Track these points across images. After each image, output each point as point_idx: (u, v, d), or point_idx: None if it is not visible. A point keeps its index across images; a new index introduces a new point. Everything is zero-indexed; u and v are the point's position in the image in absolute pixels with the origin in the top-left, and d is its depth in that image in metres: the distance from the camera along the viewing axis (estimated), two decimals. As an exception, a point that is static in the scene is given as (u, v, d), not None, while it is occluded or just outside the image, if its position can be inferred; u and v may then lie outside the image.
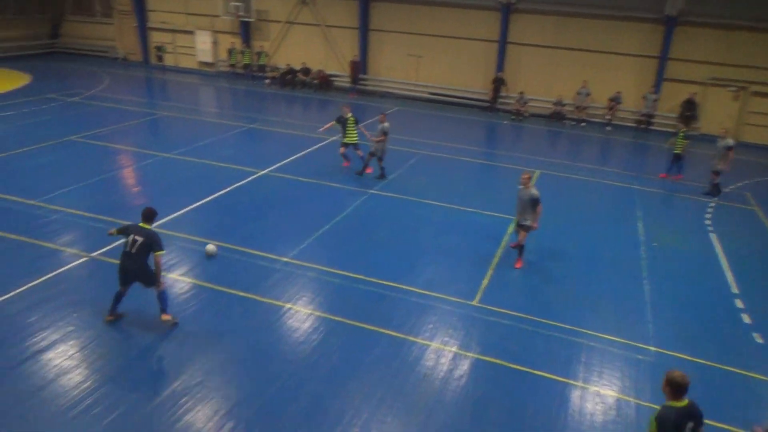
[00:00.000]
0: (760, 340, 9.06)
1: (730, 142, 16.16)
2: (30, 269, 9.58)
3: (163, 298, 8.09)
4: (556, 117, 24.44)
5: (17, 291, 8.94)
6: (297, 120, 21.86)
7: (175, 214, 12.14)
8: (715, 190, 15.89)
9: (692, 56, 22.77)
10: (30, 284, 9.14)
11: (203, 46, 30.10)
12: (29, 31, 32.63)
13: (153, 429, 6.44)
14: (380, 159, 15.23)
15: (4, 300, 8.71)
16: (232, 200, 13.23)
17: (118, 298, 8.18)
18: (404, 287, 9.84)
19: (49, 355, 7.55)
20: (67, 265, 9.84)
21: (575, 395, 7.51)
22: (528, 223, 10.52)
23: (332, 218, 12.49)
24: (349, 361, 7.81)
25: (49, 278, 9.37)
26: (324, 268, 10.26)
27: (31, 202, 12.30)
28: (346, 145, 15.74)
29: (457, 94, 26.32)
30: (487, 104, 25.48)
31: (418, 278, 10.19)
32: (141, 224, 7.99)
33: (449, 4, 25.29)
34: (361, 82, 27.61)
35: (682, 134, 17.33)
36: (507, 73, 25.28)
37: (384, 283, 9.91)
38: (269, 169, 15.52)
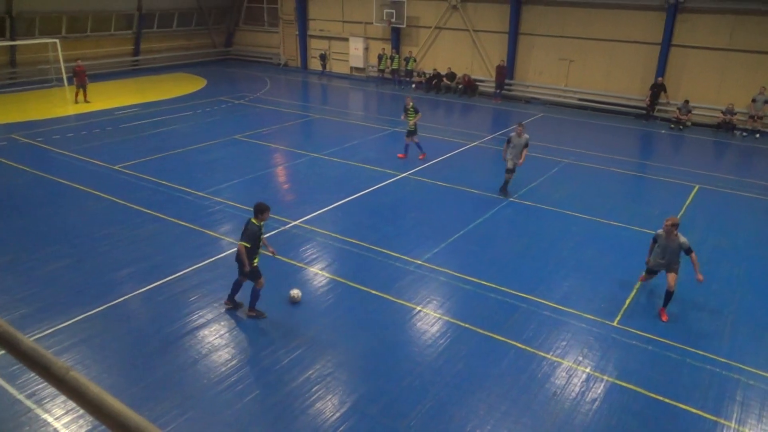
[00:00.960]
0: None
1: None
2: (195, 253, 10.77)
3: (253, 294, 8.63)
4: (725, 127, 22.01)
5: (183, 272, 10.10)
6: (439, 125, 22.06)
7: (320, 211, 12.90)
8: None
9: None
10: (194, 267, 10.28)
11: (355, 52, 31.56)
12: (208, 40, 36.61)
13: (285, 412, 6.93)
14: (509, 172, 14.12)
15: (172, 279, 9.89)
16: (373, 201, 13.74)
17: (235, 287, 8.85)
18: (538, 300, 9.53)
19: (204, 332, 8.44)
20: (225, 251, 10.90)
21: (726, 437, 6.76)
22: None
23: (468, 224, 12.46)
24: (475, 370, 7.75)
25: (209, 263, 10.47)
26: (456, 274, 10.28)
27: (200, 193, 13.81)
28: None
29: (610, 101, 24.78)
30: (644, 112, 23.67)
31: (554, 292, 9.81)
32: (252, 218, 8.38)
33: (607, 5, 23.93)
34: (507, 87, 27.12)
35: None
36: (668, 78, 23.29)
37: (517, 293, 9.69)
38: (409, 172, 15.86)
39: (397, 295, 9.54)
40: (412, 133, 16.55)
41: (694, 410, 7.14)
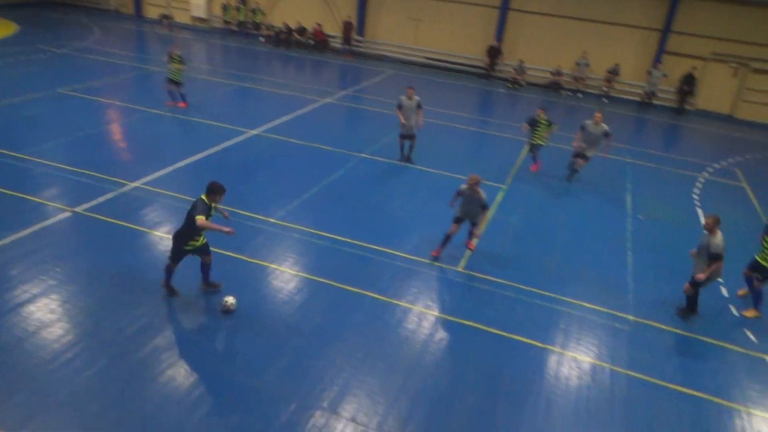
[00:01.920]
0: (735, 313, 9.22)
1: None
2: (14, 222, 9.53)
3: (205, 268, 8.06)
4: (553, 87, 24.22)
5: (2, 243, 8.90)
6: (290, 80, 21.56)
7: (163, 172, 12.06)
8: None
9: (695, 30, 22.48)
10: (13, 237, 9.10)
11: (197, 1, 29.41)
12: (17, -21, 31.69)
13: (132, 383, 6.52)
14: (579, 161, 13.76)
15: (-12, 251, 8.69)
16: (221, 160, 13.13)
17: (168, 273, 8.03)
18: (391, 251, 9.88)
19: (31, 308, 7.57)
20: (50, 218, 9.79)
21: (552, 360, 7.65)
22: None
23: (322, 181, 12.45)
24: (331, 323, 7.88)
25: (32, 232, 9.33)
26: (311, 230, 10.27)
27: (19, 154, 12.16)
28: (533, 146, 14.41)
29: (455, 60, 25.98)
30: (485, 72, 25.18)
31: (406, 243, 10.23)
32: (202, 196, 7.63)
33: (450, -34, 24.75)
34: (357, 44, 27.17)
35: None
36: (506, 40, 24.93)
37: (371, 246, 9.95)
38: (260, 129, 15.36)
39: (251, 255, 9.31)
40: (536, 147, 14.40)
41: (527, 340, 7.96)
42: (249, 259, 9.19)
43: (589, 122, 13.54)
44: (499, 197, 12.64)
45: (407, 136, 13.88)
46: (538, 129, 14.08)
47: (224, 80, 20.45)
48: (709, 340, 8.45)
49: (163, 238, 9.53)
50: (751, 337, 8.65)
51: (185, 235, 7.59)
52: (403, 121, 13.64)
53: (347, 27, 26.26)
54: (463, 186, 9.53)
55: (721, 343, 8.41)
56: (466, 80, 24.67)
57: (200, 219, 7.34)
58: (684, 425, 6.80)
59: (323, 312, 8.10)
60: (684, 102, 22.97)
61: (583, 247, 10.83)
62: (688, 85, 22.61)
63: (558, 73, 24.09)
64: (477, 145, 17.17)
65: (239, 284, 8.49)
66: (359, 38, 27.19)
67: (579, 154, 13.72)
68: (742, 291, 9.67)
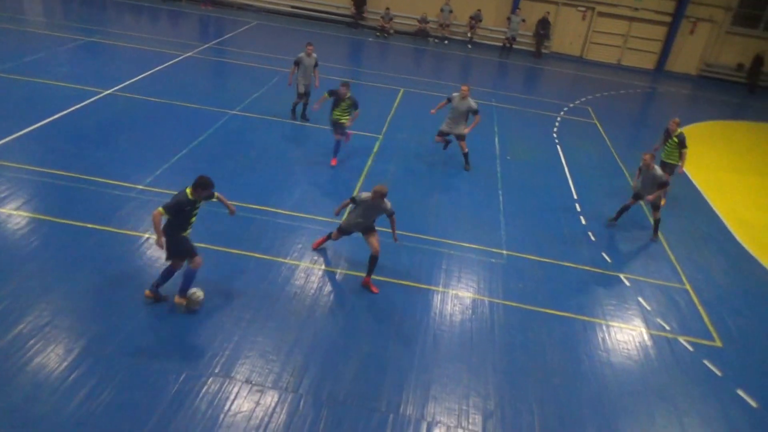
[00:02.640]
0: (593, 238, 10.23)
1: None
2: None
3: (186, 277, 7.06)
4: (421, 34, 24.54)
5: None
6: (145, 33, 19.80)
7: (4, 141, 10.70)
8: None
9: (545, -25, 23.71)
10: None
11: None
12: None
13: (-3, 376, 5.91)
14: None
15: None
16: (74, 124, 11.89)
17: (166, 275, 7.14)
18: (272, 209, 9.67)
19: None
20: None
21: (437, 299, 8.04)
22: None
23: (191, 141, 11.75)
24: (216, 287, 7.62)
25: None
26: (184, 194, 9.72)
27: None
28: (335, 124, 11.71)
29: (321, 9, 25.32)
30: (352, 20, 24.84)
31: (287, 200, 10.05)
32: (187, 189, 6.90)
33: None
34: (217, -8, 25.50)
35: None
36: (371, -13, 24.67)
37: (251, 206, 9.66)
38: (115, 88, 14.05)
39: (119, 226, 8.65)
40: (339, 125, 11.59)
41: (412, 284, 8.27)
42: (117, 230, 8.53)
43: (455, 95, 11.90)
44: (376, 147, 12.76)
45: (304, 94, 13.39)
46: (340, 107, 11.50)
47: (67, 34, 18.31)
48: (572, 265, 9.32)
49: (11, 215, 8.53)
50: (607, 258, 9.66)
51: (170, 227, 6.81)
52: (292, 80, 13.21)
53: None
54: (364, 195, 7.99)
55: (583, 267, 9.32)
56: (334, 30, 24.22)
57: (156, 211, 6.59)
58: (555, 342, 7.51)
59: (206, 279, 7.79)
60: (541, 46, 24.38)
61: (458, 190, 11.33)
62: (543, 29, 23.98)
63: (424, 21, 24.40)
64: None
65: (106, 259, 7.89)
66: (218, -14, 25.50)
67: (442, 133, 12.18)
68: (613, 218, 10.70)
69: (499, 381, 6.77)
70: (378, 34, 24.12)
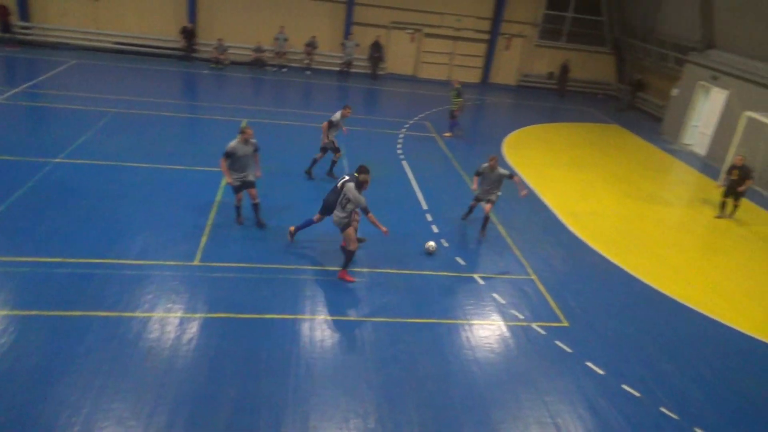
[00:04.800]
0: (446, 245, 10.77)
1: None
2: None
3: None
4: (258, 64, 24.35)
5: None
6: (-61, 82, 17.35)
7: None
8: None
9: (375, 1, 24.83)
10: None
11: None
12: None
13: None
14: None
15: None
16: None
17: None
18: (115, 261, 8.88)
19: None
20: None
21: (305, 328, 7.89)
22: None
23: (8, 197, 10.45)
24: (55, 357, 6.78)
25: None
26: (6, 258, 8.60)
27: None
28: None
29: (148, 44, 24.09)
30: (183, 53, 23.96)
31: (130, 249, 9.30)
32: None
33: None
34: (23, 31, 23.16)
35: (454, 92, 17.46)
36: (201, 19, 24.06)
37: (89, 261, 8.79)
38: None
39: (-77, 305, 7.39)
40: None
41: (277, 316, 8.04)
42: None
43: (485, 166, 11.15)
44: (224, 182, 12.32)
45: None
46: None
47: None
48: (430, 273, 9.70)
49: None
50: (461, 261, 10.20)
51: None
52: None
53: (2, 11, 22.12)
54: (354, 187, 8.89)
55: (440, 273, 9.74)
56: (165, 64, 23.16)
57: None
58: (424, 350, 7.73)
59: (41, 349, 6.90)
60: (376, 68, 25.39)
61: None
62: (377, 51, 25.02)
63: (260, 50, 24.27)
64: (189, 132, 16.35)
65: None
66: (24, 24, 23.16)
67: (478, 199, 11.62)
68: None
69: (376, 397, 6.79)
70: (213, 65, 23.49)
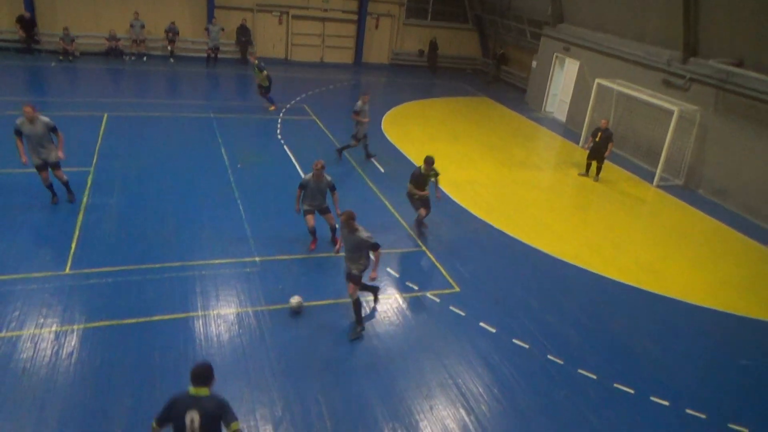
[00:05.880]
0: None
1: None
2: None
3: None
4: (114, 53, 22.54)
5: None
6: None
7: None
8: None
9: (234, -17, 23.89)
10: None
11: None
12: None
13: None
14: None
15: None
16: None
17: None
18: (-33, 279, 7.89)
19: None
20: None
21: (198, 325, 7.55)
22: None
23: None
24: None
25: None
26: None
27: None
28: None
29: (-19, 35, 21.38)
30: (23, 45, 21.54)
31: (-15, 263, 8.31)
32: (193, 391, 4.64)
33: None
34: None
35: (256, 67, 17.22)
36: (40, 7, 21.73)
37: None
38: None
39: None
40: None
41: (166, 316, 7.61)
42: None
43: (308, 177, 9.65)
44: (89, 180, 11.37)
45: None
46: None
47: None
48: (324, 255, 9.65)
49: None
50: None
51: None
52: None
53: None
54: (307, 176, 9.39)
55: (332, 255, 9.72)
56: (3, 58, 20.71)
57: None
58: (325, 330, 7.71)
59: None
60: (245, 52, 24.53)
61: (195, 209, 10.77)
62: (244, 35, 24.15)
63: (114, 38, 22.46)
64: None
65: None
66: None
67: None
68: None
69: (280, 384, 6.68)
70: (61, 57, 21.34)
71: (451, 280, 9.38)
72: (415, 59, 28.24)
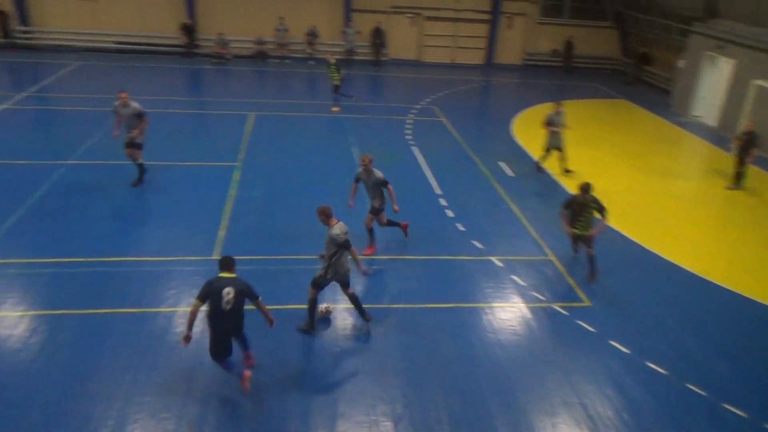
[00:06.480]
0: (462, 229, 10.76)
1: None
2: None
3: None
4: (260, 56, 24.26)
5: None
6: (-54, 89, 17.45)
7: None
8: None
9: (371, -13, 24.65)
10: None
11: None
12: None
13: None
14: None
15: None
16: None
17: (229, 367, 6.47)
18: (135, 258, 8.96)
19: None
20: None
21: (331, 317, 7.94)
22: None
23: (25, 201, 10.54)
24: (85, 355, 6.88)
25: None
26: (30, 260, 8.69)
27: None
28: None
29: (149, 41, 24.04)
30: (185, 50, 23.90)
31: (150, 246, 9.38)
32: (224, 274, 6.29)
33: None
34: (24, 36, 23.15)
35: (333, 67, 17.25)
36: (201, 14, 23.96)
37: (110, 259, 8.87)
38: None
39: (-49, 310, 7.49)
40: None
41: (299, 306, 8.06)
42: (-49, 316, 7.39)
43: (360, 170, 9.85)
44: (236, 175, 12.36)
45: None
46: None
47: None
48: (448, 257, 9.71)
49: None
50: (478, 245, 10.20)
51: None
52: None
53: (1, 17, 22.10)
54: (359, 170, 9.30)
55: (457, 257, 9.75)
56: (168, 61, 23.12)
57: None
58: (447, 334, 7.76)
59: (72, 346, 7.01)
60: (379, 54, 25.23)
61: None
62: (378, 38, 24.85)
63: (261, 42, 24.17)
64: (199, 127, 16.37)
65: (-54, 350, 6.80)
66: (24, 29, 23.15)
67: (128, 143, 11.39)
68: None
69: (402, 383, 6.84)
70: (215, 60, 23.42)
71: (580, 293, 9.00)
72: (549, 59, 27.31)
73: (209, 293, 6.13)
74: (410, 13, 25.60)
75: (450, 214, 11.32)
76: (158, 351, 7.06)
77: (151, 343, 7.18)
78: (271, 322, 6.58)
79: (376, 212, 9.57)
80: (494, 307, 8.49)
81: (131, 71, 21.11)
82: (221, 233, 9.91)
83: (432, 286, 8.88)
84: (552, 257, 10.01)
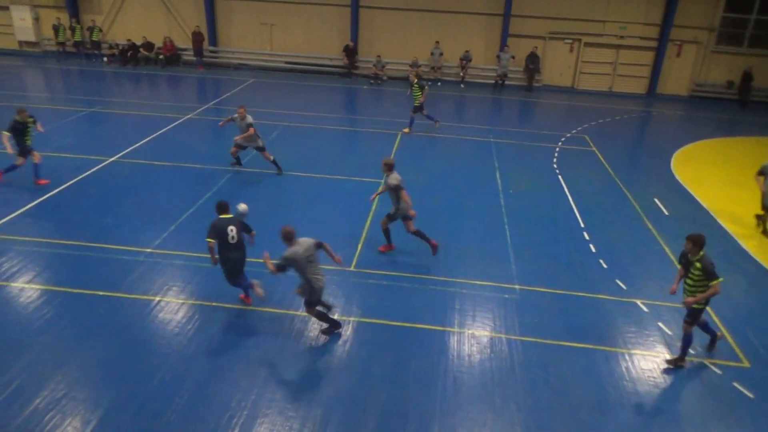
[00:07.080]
0: (605, 266, 10.13)
1: None
2: None
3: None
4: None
5: None
6: (144, 100, 20.28)
7: (11, 216, 10.81)
8: None
9: (532, 12, 24.35)
10: None
11: (22, 23, 26.69)
12: None
13: (14, 455, 5.80)
14: None
15: None
16: (79, 193, 12.04)
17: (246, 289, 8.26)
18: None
19: None
20: None
21: (453, 341, 7.91)
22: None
23: (196, 201, 11.86)
24: (230, 346, 7.55)
25: None
26: (194, 254, 9.75)
27: None
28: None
29: (314, 62, 25.96)
30: (345, 70, 25.43)
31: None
32: (223, 216, 7.99)
33: (295, -32, 24.63)
34: (211, 55, 26.23)
35: (416, 85, 17.08)
36: (362, 37, 25.37)
37: (259, 261, 9.63)
38: (119, 155, 14.29)
39: (129, 291, 8.64)
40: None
41: (426, 326, 8.16)
42: (128, 296, 8.51)
43: (235, 116, 13.30)
44: (381, 190, 12.81)
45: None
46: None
47: (69, 107, 18.75)
48: (587, 295, 9.20)
49: (23, 289, 8.54)
50: (622, 285, 9.54)
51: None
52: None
53: (197, 38, 25.23)
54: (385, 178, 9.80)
55: (597, 295, 9.19)
56: (329, 81, 24.76)
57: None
58: (578, 376, 7.34)
59: (220, 336, 7.74)
60: (532, 80, 24.79)
61: (464, 228, 11.31)
62: (533, 63, 24.44)
63: (416, 65, 24.93)
64: (350, 143, 17.30)
65: (118, 325, 7.85)
66: (213, 48, 26.24)
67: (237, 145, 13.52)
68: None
69: (524, 420, 6.59)
70: (372, 81, 24.63)
71: (739, 352, 8.01)
72: (722, 91, 24.90)
73: (218, 232, 7.73)
74: (570, 39, 24.86)
75: (593, 248, 10.72)
76: (292, 352, 7.52)
77: (287, 343, 7.67)
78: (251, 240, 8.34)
79: (393, 217, 9.89)
80: (635, 354, 7.86)
81: (296, 89, 22.92)
82: (359, 246, 10.33)
83: (568, 322, 8.46)
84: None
